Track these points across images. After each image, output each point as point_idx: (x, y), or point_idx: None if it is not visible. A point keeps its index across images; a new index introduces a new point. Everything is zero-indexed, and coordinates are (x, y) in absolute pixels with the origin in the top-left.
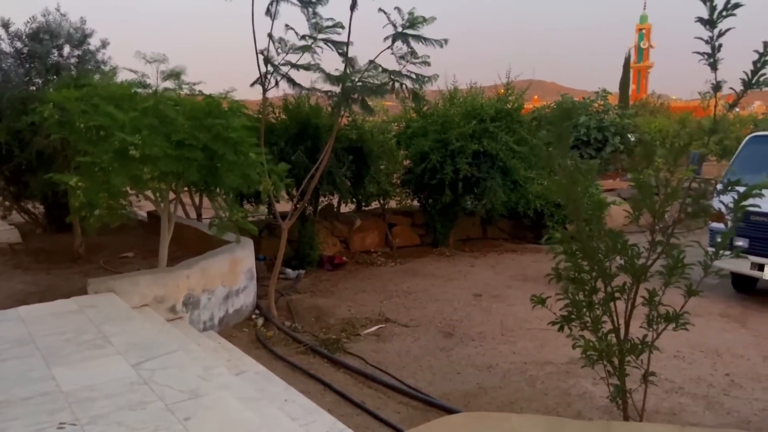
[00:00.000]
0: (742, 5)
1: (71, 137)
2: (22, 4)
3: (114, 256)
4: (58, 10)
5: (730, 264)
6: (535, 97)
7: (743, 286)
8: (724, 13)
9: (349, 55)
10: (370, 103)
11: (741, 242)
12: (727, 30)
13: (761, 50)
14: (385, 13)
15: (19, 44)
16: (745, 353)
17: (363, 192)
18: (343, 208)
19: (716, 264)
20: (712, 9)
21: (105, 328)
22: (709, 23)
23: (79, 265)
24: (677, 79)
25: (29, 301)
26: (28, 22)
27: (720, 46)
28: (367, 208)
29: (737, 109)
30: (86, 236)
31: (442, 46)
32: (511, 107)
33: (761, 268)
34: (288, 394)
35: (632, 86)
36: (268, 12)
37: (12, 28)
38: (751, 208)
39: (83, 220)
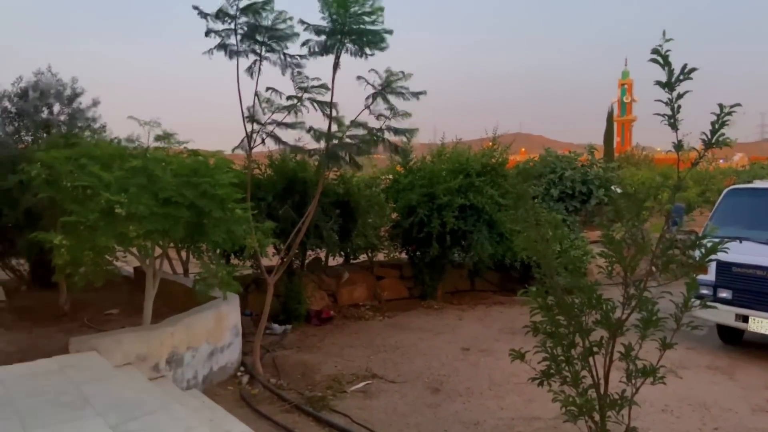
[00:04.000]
0: (696, 69)
1: (58, 196)
2: (17, 65)
3: (99, 313)
4: (50, 70)
5: (715, 315)
6: (522, 149)
7: (730, 338)
8: (681, 77)
9: (334, 112)
10: (357, 159)
11: (725, 293)
12: (685, 92)
13: (718, 111)
14: (363, 78)
15: (7, 103)
16: (733, 406)
17: (351, 245)
18: (331, 262)
19: (700, 315)
20: (670, 73)
21: (85, 389)
22: (668, 86)
23: (63, 322)
24: (660, 131)
25: (10, 361)
26: (15, 82)
27: (679, 107)
28: (355, 262)
29: (721, 160)
30: (71, 293)
31: (418, 98)
32: (496, 161)
33: (746, 319)
34: None
35: (617, 139)
36: (249, 70)
37: None
38: (731, 260)
39: (68, 278)
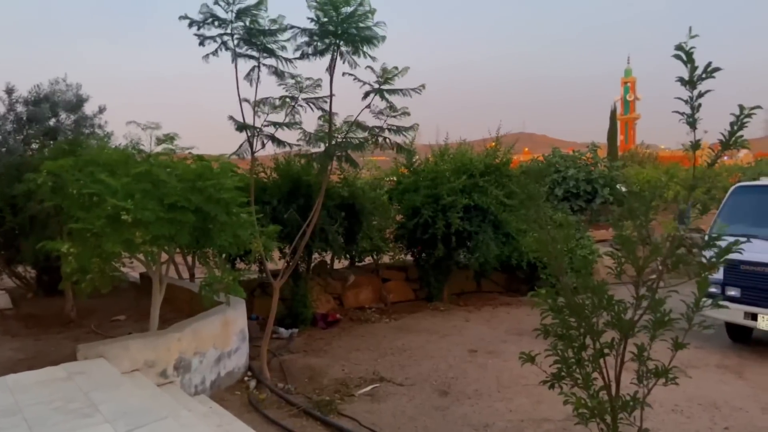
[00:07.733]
0: (720, 69)
1: (64, 203)
2: (29, 73)
3: (106, 319)
4: (65, 80)
5: (724, 314)
6: (526, 149)
7: (739, 336)
8: (703, 76)
9: (332, 114)
10: (359, 159)
11: (733, 292)
12: (707, 91)
13: (737, 113)
14: (357, 79)
15: (19, 108)
16: (743, 405)
17: (356, 248)
18: (337, 265)
19: (708, 314)
20: (693, 71)
21: (94, 396)
22: (690, 84)
23: (70, 329)
24: (665, 129)
25: (18, 368)
26: (32, 90)
27: (699, 106)
28: (360, 264)
29: (725, 157)
30: (78, 300)
31: (419, 93)
32: (499, 161)
33: (754, 317)
34: None
35: (620, 137)
36: (248, 76)
37: (15, 94)
38: (738, 258)
39: (75, 285)
